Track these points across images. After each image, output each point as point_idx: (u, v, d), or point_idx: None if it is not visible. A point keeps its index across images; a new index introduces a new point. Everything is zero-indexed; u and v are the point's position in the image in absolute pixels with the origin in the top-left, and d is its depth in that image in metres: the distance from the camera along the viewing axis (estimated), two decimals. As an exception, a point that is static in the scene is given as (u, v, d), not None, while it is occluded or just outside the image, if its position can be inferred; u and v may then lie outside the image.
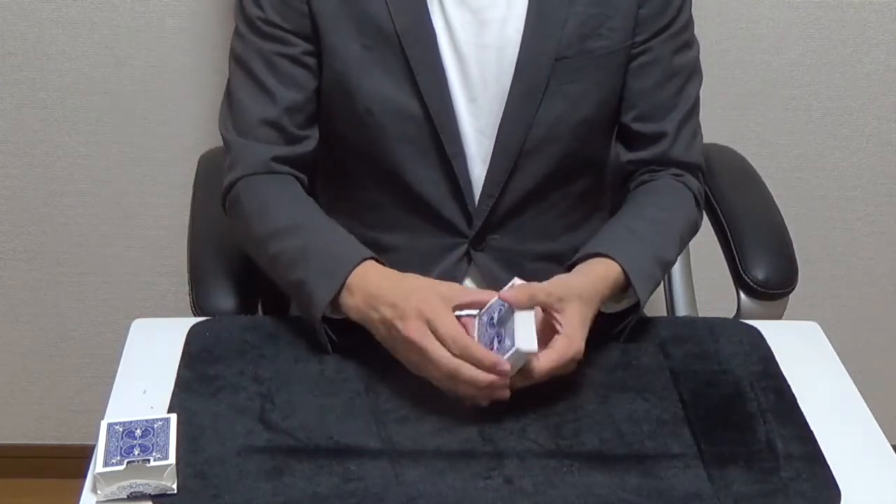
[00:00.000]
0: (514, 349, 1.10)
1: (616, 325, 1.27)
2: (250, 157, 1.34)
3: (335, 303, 1.22)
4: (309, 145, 1.37)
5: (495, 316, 1.15)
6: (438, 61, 1.31)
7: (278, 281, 1.29)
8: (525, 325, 1.12)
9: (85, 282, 2.09)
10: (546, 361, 1.13)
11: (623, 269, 1.24)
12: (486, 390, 1.12)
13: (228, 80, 1.38)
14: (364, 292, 1.20)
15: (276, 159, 1.34)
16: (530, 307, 1.14)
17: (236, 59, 1.36)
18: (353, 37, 1.31)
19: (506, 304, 1.14)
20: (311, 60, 1.34)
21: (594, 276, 1.23)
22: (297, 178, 1.36)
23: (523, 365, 1.12)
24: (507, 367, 1.11)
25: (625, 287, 1.25)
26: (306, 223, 1.30)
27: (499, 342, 1.13)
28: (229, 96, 1.37)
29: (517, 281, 1.17)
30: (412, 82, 1.31)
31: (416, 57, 1.30)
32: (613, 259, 1.24)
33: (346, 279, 1.21)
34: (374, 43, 1.31)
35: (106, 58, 1.91)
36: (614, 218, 1.36)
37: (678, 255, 1.36)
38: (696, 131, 1.42)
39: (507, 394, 1.13)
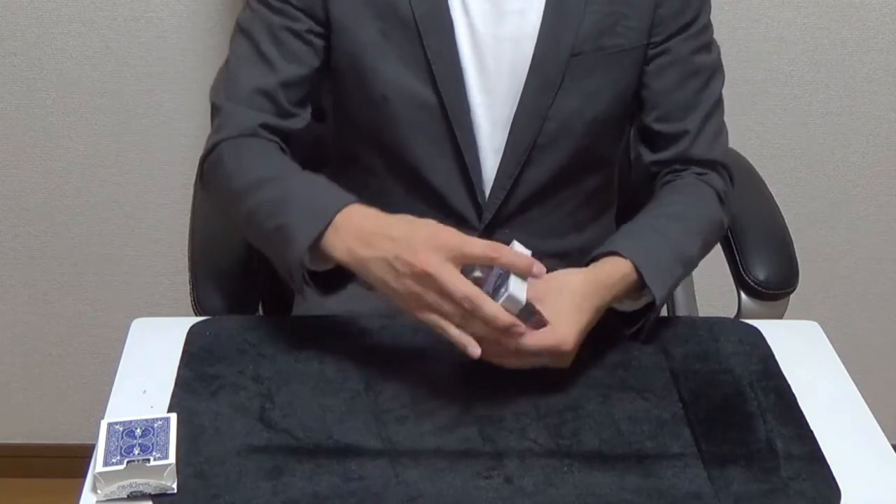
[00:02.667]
0: (506, 294, 1.10)
1: (633, 324, 1.26)
2: (238, 120, 1.33)
3: (318, 249, 1.17)
4: (298, 123, 1.36)
5: (492, 281, 1.15)
6: (455, 51, 1.31)
7: (255, 237, 1.26)
8: (519, 282, 1.12)
9: (85, 282, 2.09)
10: (529, 338, 1.13)
11: (635, 266, 1.22)
12: (499, 334, 1.09)
13: (229, 51, 1.37)
14: (355, 229, 1.16)
15: (265, 126, 1.33)
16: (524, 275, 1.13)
17: (241, 30, 1.35)
18: (371, 21, 1.31)
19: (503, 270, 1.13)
20: (316, 40, 1.34)
21: (598, 273, 1.21)
22: (283, 150, 1.35)
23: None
24: (522, 328, 1.10)
25: (640, 285, 1.24)
26: (288, 174, 1.27)
27: (493, 294, 1.12)
28: (227, 66, 1.36)
29: (517, 245, 1.15)
30: (428, 70, 1.31)
31: (432, 45, 1.30)
32: (624, 256, 1.23)
33: (333, 219, 1.17)
34: (392, 29, 1.31)
35: (106, 58, 1.91)
36: (637, 216, 1.35)
37: (703, 252, 1.34)
38: (720, 130, 1.41)
39: (512, 360, 1.12)
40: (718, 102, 1.40)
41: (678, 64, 1.36)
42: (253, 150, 1.31)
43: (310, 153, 1.42)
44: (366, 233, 1.15)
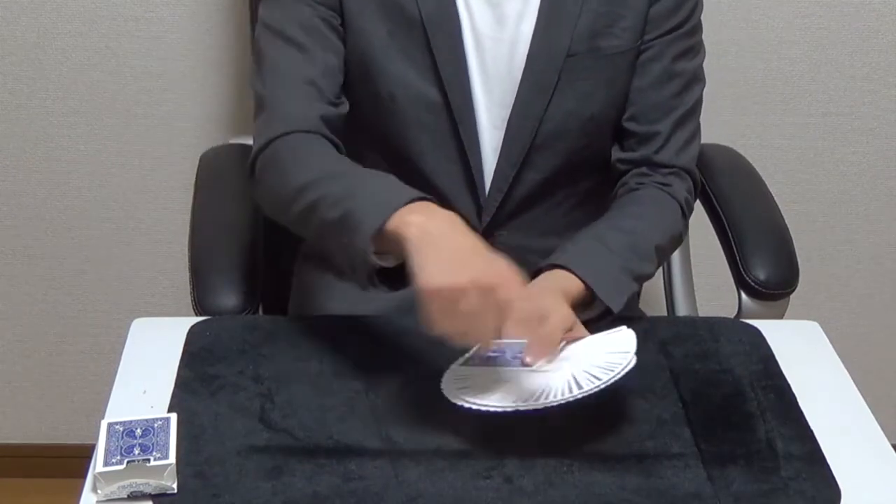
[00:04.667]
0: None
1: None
2: (290, 112, 1.29)
3: (384, 240, 1.10)
4: (344, 109, 1.33)
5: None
6: (461, 51, 1.31)
7: (317, 230, 1.20)
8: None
9: (85, 282, 2.09)
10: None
11: (586, 284, 1.22)
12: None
13: (259, 50, 1.34)
14: (432, 213, 1.10)
15: (325, 119, 1.29)
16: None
17: (268, 26, 1.33)
18: (379, 21, 1.31)
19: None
20: (342, 30, 1.33)
21: (560, 292, 1.20)
22: (338, 146, 1.31)
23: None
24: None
25: (589, 300, 1.23)
26: (353, 170, 1.23)
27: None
28: (262, 61, 1.32)
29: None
30: (434, 71, 1.31)
31: (439, 45, 1.30)
32: (576, 275, 1.22)
33: (402, 206, 1.09)
34: (399, 29, 1.31)
35: (106, 58, 1.91)
36: (591, 225, 1.34)
37: (656, 267, 1.35)
38: (693, 137, 1.41)
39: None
40: (694, 109, 1.40)
41: (659, 65, 1.36)
42: (312, 147, 1.27)
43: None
44: (441, 227, 1.08)
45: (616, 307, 1.23)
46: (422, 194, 1.14)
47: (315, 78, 1.30)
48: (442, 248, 1.06)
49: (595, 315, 1.25)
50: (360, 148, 1.40)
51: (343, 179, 1.19)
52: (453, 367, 1.16)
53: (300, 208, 1.21)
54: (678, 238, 1.39)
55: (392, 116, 1.34)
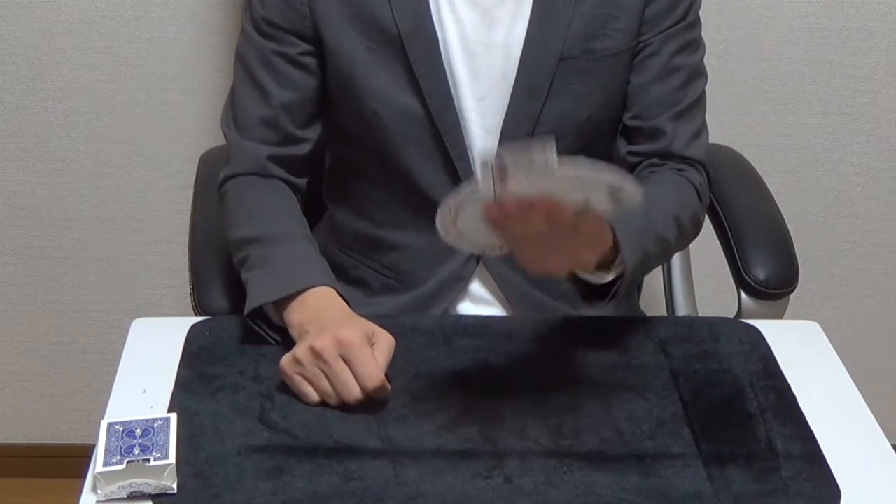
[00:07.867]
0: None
1: (595, 297, 1.24)
2: (244, 154, 1.36)
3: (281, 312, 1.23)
4: (305, 147, 1.38)
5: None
6: (440, 64, 1.31)
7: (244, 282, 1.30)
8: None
9: (85, 282, 2.09)
10: None
11: (613, 232, 1.18)
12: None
13: (233, 82, 1.39)
14: (306, 316, 1.21)
15: (271, 159, 1.36)
16: None
17: (239, 58, 1.38)
18: (358, 39, 1.31)
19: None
20: (310, 61, 1.34)
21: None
22: (291, 182, 1.37)
23: None
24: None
25: (610, 257, 1.20)
26: (274, 236, 1.30)
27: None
28: (232, 94, 1.39)
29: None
30: (415, 84, 1.31)
31: (418, 59, 1.30)
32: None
33: (295, 298, 1.22)
34: (378, 45, 1.31)
35: (106, 58, 1.91)
36: None
37: (679, 240, 1.33)
38: (700, 131, 1.40)
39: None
40: (698, 103, 1.39)
41: (658, 60, 1.36)
42: (249, 198, 1.35)
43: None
44: (308, 319, 1.20)
45: (632, 261, 1.20)
46: (324, 281, 1.25)
47: (269, 118, 1.35)
48: (313, 330, 1.18)
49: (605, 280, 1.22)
50: (356, 162, 1.40)
51: (261, 247, 1.28)
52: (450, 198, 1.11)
53: (235, 262, 1.32)
54: (696, 216, 1.37)
55: (379, 132, 1.34)
